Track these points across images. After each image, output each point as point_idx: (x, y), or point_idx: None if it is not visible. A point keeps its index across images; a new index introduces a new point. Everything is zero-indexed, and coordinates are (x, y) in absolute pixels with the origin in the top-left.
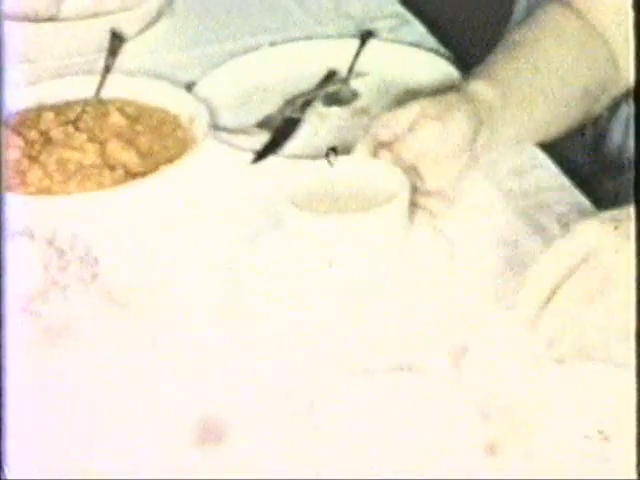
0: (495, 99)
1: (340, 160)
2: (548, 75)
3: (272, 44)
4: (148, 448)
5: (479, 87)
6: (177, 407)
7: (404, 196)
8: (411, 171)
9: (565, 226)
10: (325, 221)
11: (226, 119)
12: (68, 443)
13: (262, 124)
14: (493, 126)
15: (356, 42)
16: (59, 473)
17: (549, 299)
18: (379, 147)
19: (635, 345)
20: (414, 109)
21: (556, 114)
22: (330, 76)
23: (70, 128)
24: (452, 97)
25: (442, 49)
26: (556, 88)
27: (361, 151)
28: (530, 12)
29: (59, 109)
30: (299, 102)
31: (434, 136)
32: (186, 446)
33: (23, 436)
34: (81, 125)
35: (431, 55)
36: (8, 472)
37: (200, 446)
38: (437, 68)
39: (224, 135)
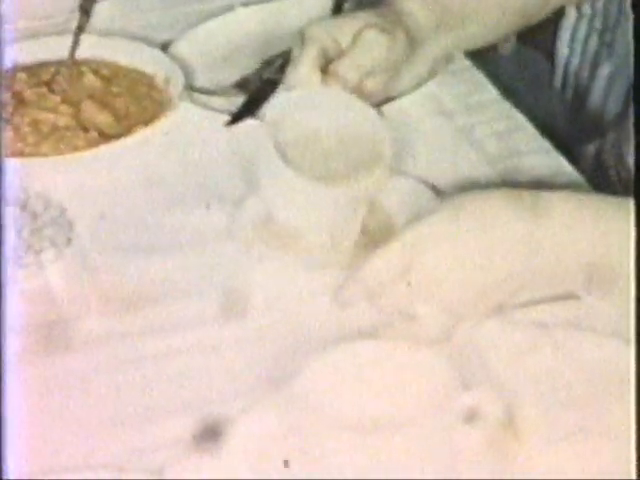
0: (429, 20)
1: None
2: None
3: (243, 4)
4: (148, 447)
5: (411, 4)
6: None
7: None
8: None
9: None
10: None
11: (202, 80)
12: (68, 443)
13: (239, 85)
14: (423, 47)
15: (330, 1)
16: (59, 473)
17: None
18: (321, 61)
19: (635, 343)
20: (357, 21)
21: (489, 30)
22: None
23: (44, 89)
24: (390, 13)
25: None
26: (494, 7)
27: (305, 66)
28: None
29: (32, 70)
30: (277, 63)
31: (382, 48)
32: (186, 446)
33: (23, 436)
34: (55, 86)
35: None
36: (8, 472)
37: (200, 445)
38: None
39: (200, 96)
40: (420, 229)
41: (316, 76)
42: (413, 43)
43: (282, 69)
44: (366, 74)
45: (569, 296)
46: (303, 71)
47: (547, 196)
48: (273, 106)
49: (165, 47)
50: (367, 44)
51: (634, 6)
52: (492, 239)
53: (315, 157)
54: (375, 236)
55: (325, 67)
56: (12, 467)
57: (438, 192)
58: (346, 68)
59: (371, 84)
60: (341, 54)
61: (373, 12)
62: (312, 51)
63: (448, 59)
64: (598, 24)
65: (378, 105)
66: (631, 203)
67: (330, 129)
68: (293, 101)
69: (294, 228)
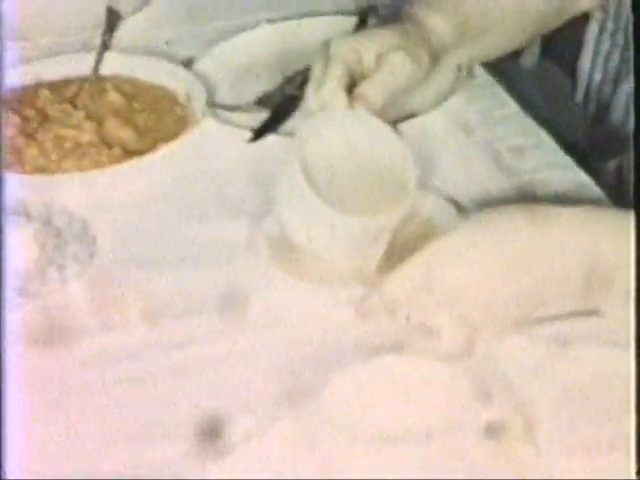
0: (450, 34)
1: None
2: (505, 3)
3: (270, 21)
4: (148, 447)
5: (434, 20)
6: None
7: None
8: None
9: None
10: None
11: (224, 96)
12: (68, 443)
13: (261, 101)
14: (444, 61)
15: (354, 19)
16: (59, 473)
17: None
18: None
19: (635, 346)
20: (382, 40)
21: (508, 39)
22: None
23: (67, 106)
24: (412, 30)
25: None
26: (512, 16)
27: (331, 85)
28: None
29: (56, 87)
30: (299, 79)
31: (407, 71)
32: (186, 445)
33: (22, 435)
34: (78, 103)
35: None
36: (8, 472)
37: (200, 445)
38: None
39: (222, 113)
40: (441, 244)
41: (342, 97)
42: (435, 60)
43: (303, 86)
44: (391, 97)
45: (589, 311)
46: (329, 90)
47: (566, 212)
48: (303, 124)
49: (188, 64)
50: (393, 67)
51: (634, 6)
52: (512, 254)
53: (340, 183)
54: (398, 253)
55: (349, 86)
56: (12, 467)
57: (460, 208)
58: (372, 91)
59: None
60: (366, 75)
61: (397, 30)
62: (337, 70)
63: (469, 73)
64: (620, 39)
65: (397, 121)
66: (631, 216)
67: (357, 155)
68: (322, 122)
69: (312, 252)
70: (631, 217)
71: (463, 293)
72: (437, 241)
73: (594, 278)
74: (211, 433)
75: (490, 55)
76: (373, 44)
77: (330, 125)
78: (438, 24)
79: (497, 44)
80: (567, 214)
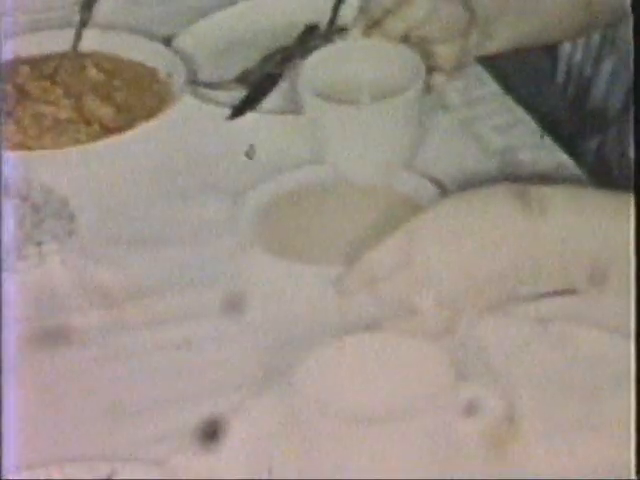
0: (492, 5)
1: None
2: None
3: None
4: (146, 439)
5: None
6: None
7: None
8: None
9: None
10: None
11: (204, 74)
12: (66, 434)
13: (240, 79)
14: (487, 30)
15: None
16: (57, 464)
17: None
18: (370, 25)
19: (635, 344)
20: None
21: (555, 22)
22: (310, 30)
23: (46, 82)
24: None
25: None
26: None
27: (355, 32)
28: None
29: (35, 63)
30: (278, 57)
31: (426, 9)
32: (185, 438)
33: (21, 428)
34: (57, 79)
35: None
36: (7, 472)
37: (200, 443)
38: None
39: (202, 90)
40: (422, 221)
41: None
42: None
43: (283, 63)
44: (420, 30)
45: (569, 291)
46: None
47: (548, 191)
48: (312, 56)
49: (167, 41)
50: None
51: (634, 6)
52: (493, 233)
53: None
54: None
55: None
56: (11, 459)
57: (441, 186)
58: (390, 22)
59: (441, 50)
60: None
61: None
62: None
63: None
64: None
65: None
66: (631, 198)
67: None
68: (331, 52)
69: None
70: (623, 199)
71: (442, 270)
72: (418, 217)
73: (593, 263)
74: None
75: (538, 38)
76: None
77: (342, 53)
78: None
79: (544, 26)
80: (559, 196)
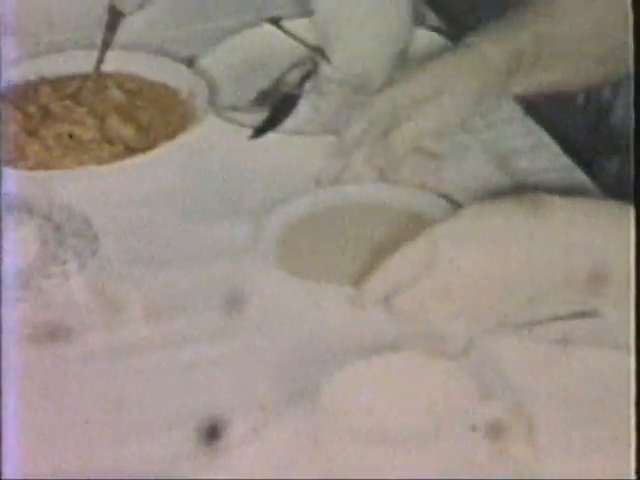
0: (504, 62)
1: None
2: (565, 39)
3: (272, 20)
4: (148, 447)
5: (489, 48)
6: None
7: None
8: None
9: None
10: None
11: (226, 95)
12: (67, 442)
13: (258, 100)
14: (499, 90)
15: None
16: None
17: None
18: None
19: (634, 348)
20: (423, 79)
21: (568, 77)
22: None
23: (69, 102)
24: (462, 58)
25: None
26: (572, 52)
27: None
28: None
29: (58, 83)
30: (296, 77)
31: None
32: (187, 444)
33: (21, 435)
34: (81, 99)
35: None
36: (7, 472)
37: (201, 444)
38: (433, 41)
39: (224, 111)
40: (440, 229)
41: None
42: (487, 88)
43: (302, 83)
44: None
45: (588, 312)
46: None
47: (559, 202)
48: None
49: (190, 62)
50: (425, 116)
51: (634, 6)
52: (507, 245)
53: None
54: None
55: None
56: (10, 467)
57: (454, 204)
58: (397, 139)
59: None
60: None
61: (446, 63)
62: (359, 129)
63: None
64: None
65: None
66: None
67: None
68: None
69: None
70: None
71: (460, 279)
72: (435, 228)
73: (595, 275)
74: (211, 433)
75: (548, 90)
76: (410, 89)
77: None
78: (491, 50)
79: (555, 81)
80: (569, 206)
